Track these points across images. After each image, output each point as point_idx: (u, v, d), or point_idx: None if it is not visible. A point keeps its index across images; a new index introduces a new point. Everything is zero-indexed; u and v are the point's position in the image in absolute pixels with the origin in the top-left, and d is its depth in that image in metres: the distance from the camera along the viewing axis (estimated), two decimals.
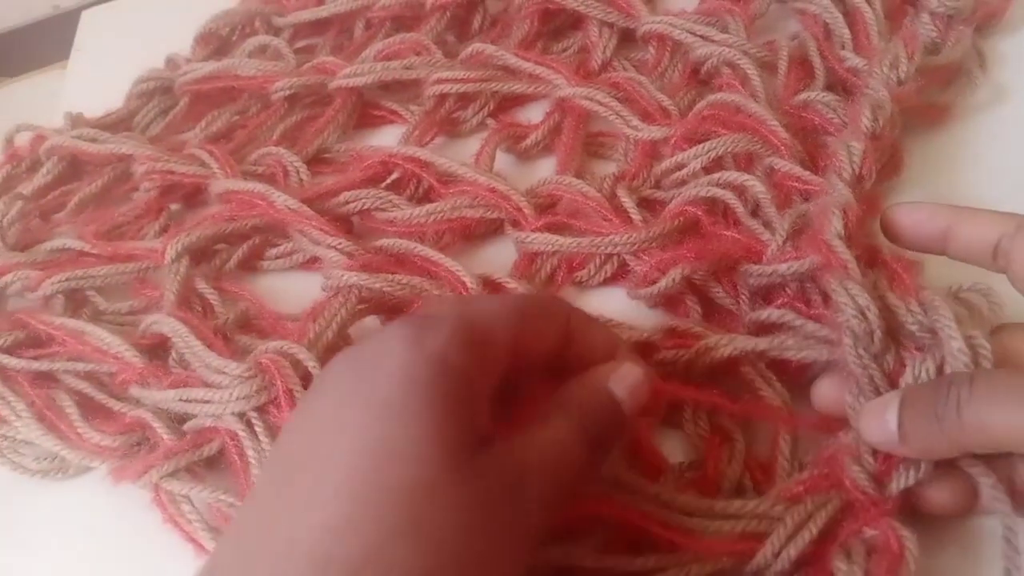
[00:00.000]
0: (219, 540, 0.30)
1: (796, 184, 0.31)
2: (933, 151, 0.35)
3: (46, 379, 0.36)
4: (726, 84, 0.36)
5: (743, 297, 0.30)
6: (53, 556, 0.33)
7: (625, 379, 0.24)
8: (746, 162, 0.34)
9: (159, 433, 0.32)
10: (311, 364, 0.31)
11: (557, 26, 0.44)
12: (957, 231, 0.25)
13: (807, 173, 0.31)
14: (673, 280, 0.30)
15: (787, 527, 0.23)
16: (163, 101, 0.47)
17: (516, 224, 0.35)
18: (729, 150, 0.33)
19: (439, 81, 0.41)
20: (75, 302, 0.39)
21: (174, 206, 0.43)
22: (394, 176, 0.39)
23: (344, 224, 0.38)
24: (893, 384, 0.24)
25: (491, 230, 0.37)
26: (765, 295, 0.30)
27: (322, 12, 0.47)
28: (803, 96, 0.35)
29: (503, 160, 0.40)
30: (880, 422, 0.23)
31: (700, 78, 0.39)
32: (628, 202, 0.34)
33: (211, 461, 0.32)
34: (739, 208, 0.32)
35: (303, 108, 0.44)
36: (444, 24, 0.45)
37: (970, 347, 0.23)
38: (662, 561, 0.24)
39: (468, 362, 0.21)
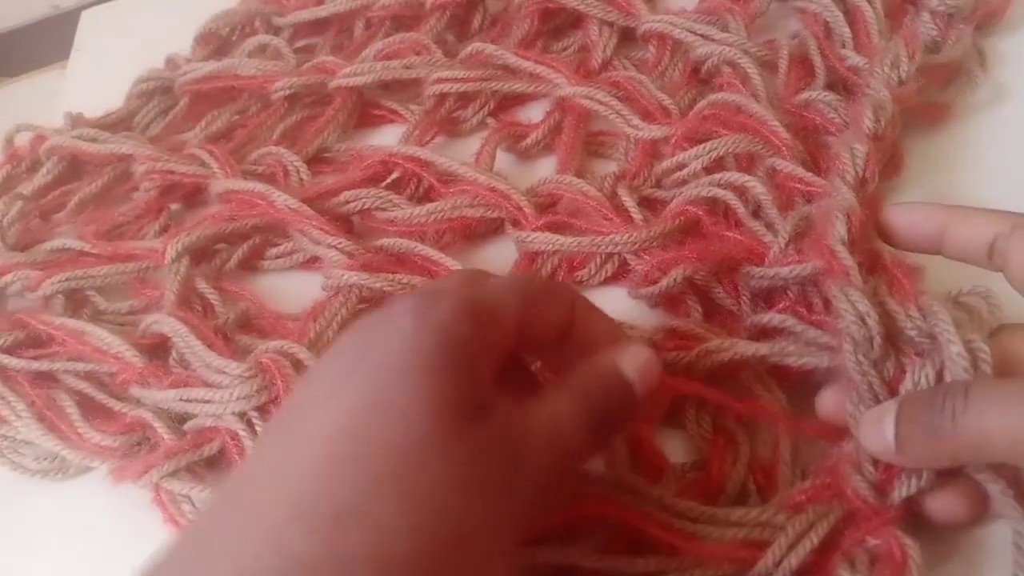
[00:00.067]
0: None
1: (798, 185, 0.31)
2: (933, 150, 0.34)
3: (46, 379, 0.36)
4: (727, 83, 0.36)
5: (744, 298, 0.30)
6: (53, 556, 0.33)
7: (635, 360, 0.24)
8: (747, 162, 0.34)
9: (159, 433, 0.32)
10: (311, 364, 0.31)
11: (557, 25, 0.44)
12: (952, 231, 0.25)
13: (809, 174, 0.31)
14: (674, 280, 0.30)
15: (788, 536, 0.23)
16: (163, 101, 0.47)
17: (516, 223, 0.35)
18: (730, 150, 0.33)
19: (439, 80, 0.41)
20: (75, 302, 0.39)
21: (174, 206, 0.43)
22: (394, 175, 0.39)
23: (344, 224, 0.38)
24: (893, 391, 0.24)
25: (491, 229, 0.37)
26: (767, 297, 0.30)
27: (322, 12, 0.47)
28: (804, 95, 0.35)
29: (503, 159, 0.40)
30: (877, 431, 0.23)
31: (700, 77, 0.39)
32: (629, 201, 0.34)
33: (211, 461, 0.32)
34: (740, 209, 0.32)
35: (303, 108, 0.44)
36: (444, 23, 0.45)
37: (969, 351, 0.23)
38: (663, 564, 0.24)
39: (470, 333, 0.21)
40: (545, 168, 0.39)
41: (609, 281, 0.34)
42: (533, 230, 0.34)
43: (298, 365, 0.31)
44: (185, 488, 0.31)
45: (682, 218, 0.33)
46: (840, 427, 0.25)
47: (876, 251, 0.27)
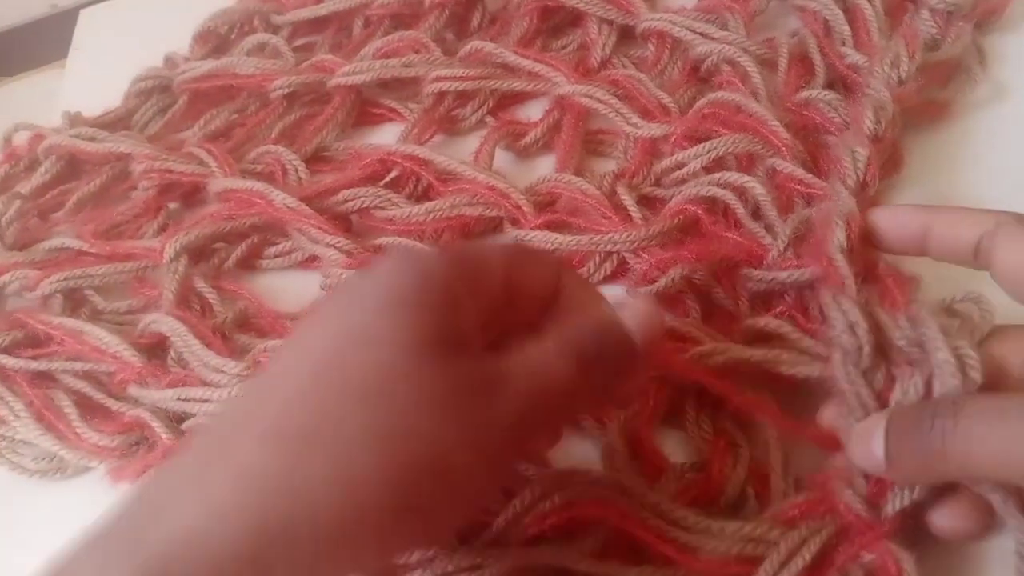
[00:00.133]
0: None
1: (798, 187, 0.31)
2: (933, 148, 0.34)
3: (44, 379, 0.36)
4: (726, 81, 0.36)
5: (743, 299, 0.30)
6: (52, 556, 0.33)
7: (634, 309, 0.24)
8: (747, 162, 0.34)
9: (158, 432, 0.32)
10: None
11: (556, 23, 0.44)
12: (936, 231, 0.25)
13: (809, 176, 0.31)
14: (672, 279, 0.30)
15: (780, 553, 0.23)
16: (161, 100, 0.47)
17: (515, 222, 0.35)
18: (730, 150, 0.33)
19: (438, 79, 0.41)
20: (74, 301, 0.39)
21: (172, 205, 0.43)
22: (393, 174, 0.39)
23: (343, 222, 0.38)
24: (883, 401, 0.24)
25: (490, 228, 0.37)
26: (765, 299, 0.30)
27: (321, 10, 0.47)
28: (804, 94, 0.34)
29: (502, 158, 0.39)
30: (867, 447, 0.22)
31: (700, 75, 0.39)
32: (628, 200, 0.34)
33: None
34: (740, 209, 0.32)
35: (302, 106, 0.44)
36: (443, 22, 0.45)
37: (956, 357, 0.23)
38: (657, 575, 0.24)
39: (454, 277, 0.21)
40: (544, 167, 0.39)
41: (608, 280, 0.34)
42: (532, 229, 0.34)
43: None
44: None
45: (681, 217, 0.33)
46: (837, 436, 0.25)
47: (872, 260, 0.27)
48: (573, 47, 0.43)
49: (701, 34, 0.38)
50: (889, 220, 0.26)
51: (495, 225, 0.37)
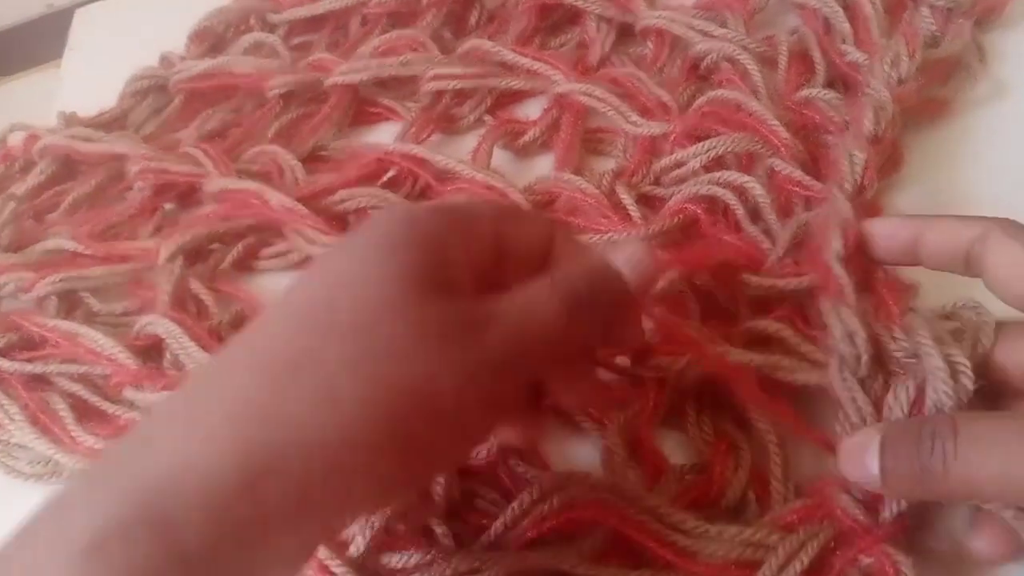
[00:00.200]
0: None
1: (797, 189, 0.31)
2: (933, 147, 0.34)
3: (40, 382, 0.36)
4: (726, 79, 0.36)
5: (742, 302, 0.30)
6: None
7: (624, 251, 0.24)
8: (747, 161, 0.33)
9: None
10: None
11: (555, 21, 0.43)
12: (927, 240, 0.25)
13: (808, 179, 0.31)
14: (671, 283, 0.30)
15: (779, 557, 0.23)
16: (157, 99, 0.47)
17: None
18: (730, 150, 0.33)
19: (436, 78, 0.41)
20: (69, 303, 0.39)
21: (168, 205, 0.42)
22: (390, 174, 0.38)
23: (340, 223, 0.38)
24: (878, 408, 0.24)
25: None
26: (764, 303, 0.29)
27: (317, 9, 0.47)
28: (804, 93, 0.34)
29: (501, 157, 0.39)
30: (859, 463, 0.22)
31: (699, 73, 0.38)
32: (627, 199, 0.34)
33: None
34: (739, 210, 0.32)
35: (298, 106, 0.44)
36: (440, 20, 0.45)
37: (949, 364, 0.23)
38: None
39: (443, 226, 0.22)
40: (543, 165, 0.39)
41: None
42: None
43: None
44: None
45: (680, 216, 0.32)
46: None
47: (871, 268, 0.27)
48: (572, 45, 0.42)
49: (700, 32, 0.38)
50: (881, 231, 0.26)
51: None
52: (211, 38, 0.49)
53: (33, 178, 0.44)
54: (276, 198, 0.37)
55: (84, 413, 0.35)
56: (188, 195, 0.42)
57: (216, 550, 0.18)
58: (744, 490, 0.26)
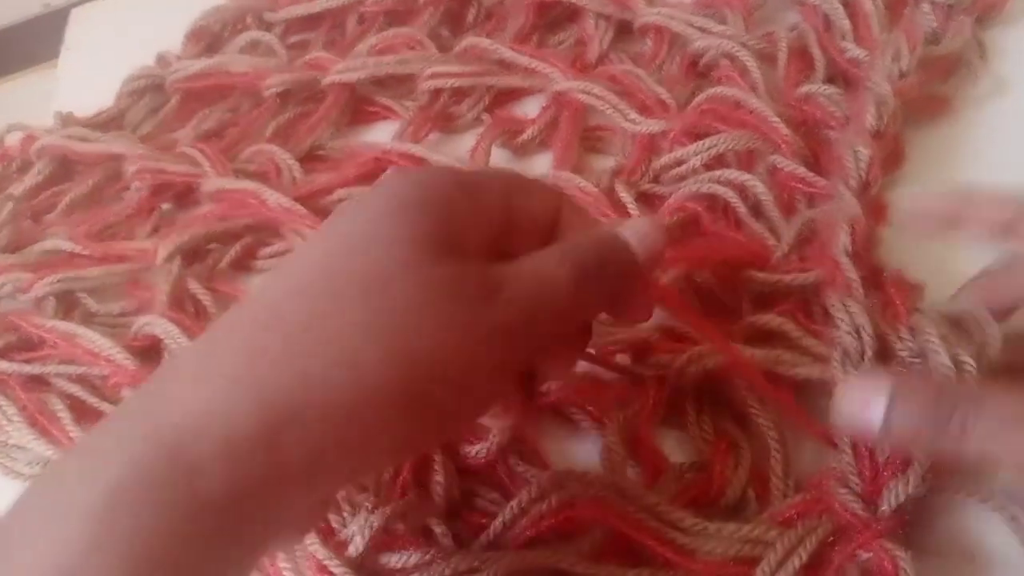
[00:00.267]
0: None
1: (799, 185, 0.31)
2: (934, 143, 0.34)
3: (38, 383, 0.36)
4: (725, 76, 0.36)
5: (744, 298, 0.30)
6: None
7: (633, 225, 0.24)
8: (747, 158, 0.33)
9: None
10: None
11: (553, 19, 0.43)
12: (968, 211, 0.25)
13: (811, 175, 0.31)
14: (674, 278, 0.30)
15: (777, 553, 0.23)
16: (154, 99, 0.47)
17: None
18: (730, 147, 0.33)
19: (433, 76, 0.40)
20: (67, 304, 0.39)
21: (165, 205, 0.42)
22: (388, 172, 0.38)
23: None
24: None
25: None
26: (767, 300, 0.29)
27: (314, 7, 0.47)
28: (804, 89, 0.34)
29: (499, 155, 0.39)
30: (862, 409, 0.22)
31: (698, 70, 0.38)
32: (626, 197, 0.34)
33: None
34: (740, 207, 0.32)
35: (296, 105, 0.44)
36: (438, 18, 0.44)
37: (955, 362, 0.23)
38: None
39: (452, 191, 0.22)
40: (542, 164, 0.39)
41: None
42: None
43: None
44: None
45: (680, 214, 0.32)
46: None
47: (878, 267, 0.27)
48: (570, 43, 0.42)
49: (699, 29, 0.38)
50: (919, 203, 0.26)
51: None
52: (207, 37, 0.49)
53: (30, 178, 0.44)
54: (274, 198, 0.37)
55: (82, 414, 0.34)
56: (185, 195, 0.42)
57: (237, 501, 0.18)
58: (744, 488, 0.26)
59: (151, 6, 0.54)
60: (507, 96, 0.41)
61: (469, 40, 0.41)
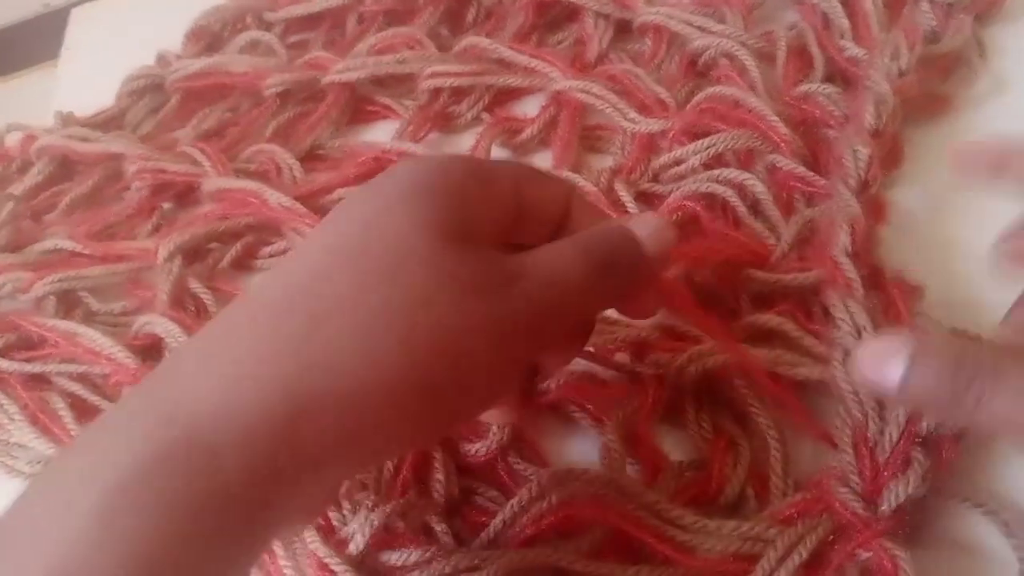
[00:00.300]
0: None
1: (798, 184, 0.31)
2: (933, 142, 0.34)
3: (39, 381, 0.36)
4: (724, 75, 0.36)
5: (744, 297, 0.30)
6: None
7: (644, 220, 0.24)
8: (746, 157, 0.33)
9: None
10: None
11: (552, 18, 0.43)
12: (1016, 158, 0.25)
13: (810, 174, 0.31)
14: (674, 276, 0.30)
15: (777, 551, 0.23)
16: (154, 99, 0.47)
17: None
18: (729, 147, 0.33)
19: (433, 75, 0.40)
20: (67, 303, 0.39)
21: (166, 205, 0.42)
22: None
23: None
24: (879, 404, 0.24)
25: None
26: (766, 299, 0.29)
27: (314, 7, 0.47)
28: (803, 88, 0.34)
29: (499, 154, 0.39)
30: (880, 368, 0.21)
31: (698, 70, 0.38)
32: (626, 196, 0.34)
33: None
34: (739, 207, 0.32)
35: (296, 104, 0.44)
36: (437, 17, 0.44)
37: None
38: (654, 574, 0.24)
39: (465, 179, 0.21)
40: (541, 163, 0.39)
41: None
42: None
43: None
44: None
45: (679, 213, 0.32)
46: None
47: (878, 268, 0.27)
48: (569, 42, 0.42)
49: (698, 28, 0.38)
50: (969, 147, 0.26)
51: None
52: (207, 37, 0.49)
53: (31, 178, 0.44)
54: (274, 197, 0.37)
55: (83, 412, 0.35)
56: (186, 194, 0.42)
57: (255, 487, 0.18)
58: (743, 487, 0.26)
59: (151, 6, 0.54)
60: (506, 95, 0.41)
61: (469, 39, 0.41)
